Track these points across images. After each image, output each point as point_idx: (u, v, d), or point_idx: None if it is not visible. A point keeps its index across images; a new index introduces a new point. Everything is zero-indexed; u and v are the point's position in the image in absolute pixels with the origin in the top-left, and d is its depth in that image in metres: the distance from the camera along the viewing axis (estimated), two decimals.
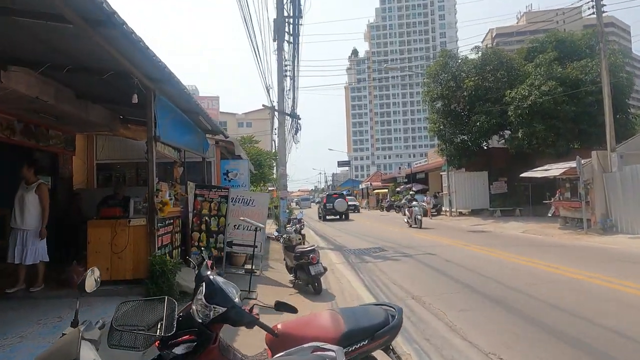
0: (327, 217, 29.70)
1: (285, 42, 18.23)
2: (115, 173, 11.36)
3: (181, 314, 2.53)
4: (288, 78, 16.56)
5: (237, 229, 8.93)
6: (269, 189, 29.39)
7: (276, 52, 17.07)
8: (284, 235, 8.31)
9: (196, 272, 2.80)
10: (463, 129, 24.06)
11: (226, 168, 11.72)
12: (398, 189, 41.86)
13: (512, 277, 7.71)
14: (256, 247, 9.05)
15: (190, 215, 8.17)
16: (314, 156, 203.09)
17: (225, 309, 2.40)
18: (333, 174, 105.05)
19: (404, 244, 13.49)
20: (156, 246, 6.02)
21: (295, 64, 16.57)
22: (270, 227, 20.21)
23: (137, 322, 2.60)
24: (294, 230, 8.55)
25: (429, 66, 27.17)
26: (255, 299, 6.86)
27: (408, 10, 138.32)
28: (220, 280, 2.58)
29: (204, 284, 2.54)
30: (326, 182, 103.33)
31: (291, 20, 17.28)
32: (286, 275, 8.63)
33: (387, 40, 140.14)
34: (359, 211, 41.37)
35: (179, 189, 7.89)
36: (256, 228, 7.16)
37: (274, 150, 25.84)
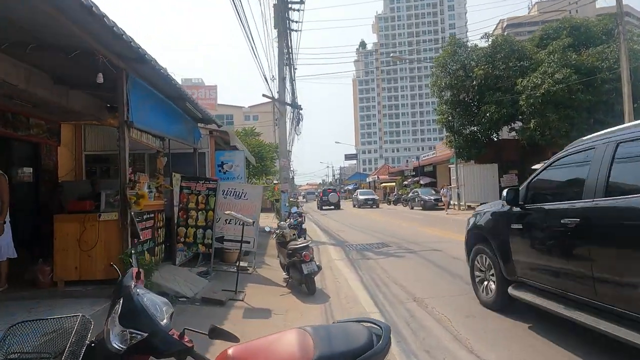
0: (324, 207, 36.74)
1: (287, 29, 17.57)
2: (113, 166, 10.84)
3: (95, 339, 1.95)
4: (292, 67, 15.89)
5: (229, 223, 8.35)
6: (274, 182, 28.91)
7: (276, 39, 16.42)
8: (277, 231, 7.73)
9: (118, 280, 2.20)
10: (472, 120, 23.27)
11: (221, 159, 11.14)
12: (405, 182, 41.13)
13: None
14: (248, 242, 8.54)
15: (176, 209, 7.61)
16: (322, 150, 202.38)
17: (146, 334, 1.80)
18: (341, 167, 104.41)
19: (409, 239, 12.85)
20: (129, 243, 5.46)
21: (291, 53, 15.88)
22: (272, 222, 19.68)
23: (41, 348, 2.02)
24: (289, 225, 7.95)
25: (437, 56, 26.34)
26: (242, 300, 6.30)
27: (417, 0, 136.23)
28: (145, 294, 1.98)
29: (121, 299, 1.94)
30: (334, 175, 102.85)
31: (292, 6, 16.61)
32: (281, 273, 8.06)
33: (395, 32, 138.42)
34: (377, 206, 36.36)
35: (163, 180, 7.33)
36: (243, 223, 6.56)
37: (276, 143, 25.30)
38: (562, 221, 3.95)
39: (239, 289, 6.81)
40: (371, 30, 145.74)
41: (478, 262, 5.63)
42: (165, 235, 7.39)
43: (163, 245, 7.19)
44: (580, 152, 4.26)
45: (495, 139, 24.80)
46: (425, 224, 18.15)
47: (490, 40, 23.41)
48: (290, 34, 15.82)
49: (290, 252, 6.90)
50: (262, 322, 5.32)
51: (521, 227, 4.75)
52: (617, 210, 3.53)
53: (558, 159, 4.71)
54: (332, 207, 36.61)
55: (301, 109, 16.25)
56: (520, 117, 21.48)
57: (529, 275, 4.65)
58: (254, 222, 8.50)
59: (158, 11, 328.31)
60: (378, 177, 55.63)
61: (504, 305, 5.21)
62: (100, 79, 4.94)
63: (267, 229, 7.90)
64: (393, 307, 5.79)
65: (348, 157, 74.16)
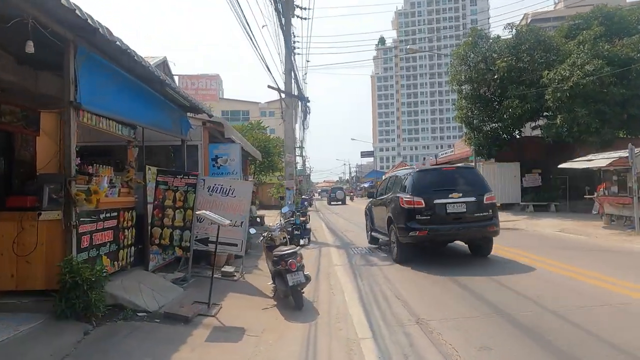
0: (332, 203, 46.52)
1: (296, 17, 16.62)
2: (116, 159, 10.05)
3: None
4: (293, 55, 14.90)
5: (215, 223, 7.45)
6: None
7: (284, 27, 15.46)
8: (264, 233, 6.78)
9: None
10: (493, 116, 21.82)
11: (215, 153, 10.26)
12: None
13: (552, 295, 5.93)
14: (235, 245, 7.66)
15: (150, 207, 6.74)
16: (339, 147, 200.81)
17: None
18: (358, 164, 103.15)
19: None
20: (74, 247, 4.59)
21: (295, 42, 14.86)
22: (277, 220, 18.79)
23: None
24: (279, 228, 6.98)
25: (456, 47, 24.97)
26: (214, 315, 5.36)
27: None
28: None
29: None
30: (350, 173, 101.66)
31: None
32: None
33: (415, 27, 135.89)
34: None
35: (134, 174, 6.46)
36: (219, 224, 5.64)
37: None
38: (381, 202, 10.21)
39: (215, 301, 5.93)
40: (390, 26, 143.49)
41: (366, 223, 12.26)
42: (137, 237, 6.54)
43: (132, 248, 6.33)
44: (386, 178, 11.93)
45: (518, 136, 23.33)
46: None
47: (514, 30, 21.93)
48: (287, 21, 14.79)
49: (276, 259, 5.95)
50: (227, 347, 4.39)
51: (375, 206, 11.21)
52: (387, 199, 9.67)
53: (383, 180, 12.78)
54: (339, 202, 46.34)
55: (308, 102, 15.25)
56: (545, 112, 20.01)
57: (376, 226, 10.82)
58: (242, 223, 7.63)
59: (158, 11, 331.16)
60: None
61: (373, 241, 11.44)
62: (29, 47, 4.09)
63: (253, 231, 6.95)
64: (390, 330, 4.78)
65: (364, 154, 72.64)
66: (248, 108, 75.09)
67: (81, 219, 4.81)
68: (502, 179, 22.97)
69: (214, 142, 10.51)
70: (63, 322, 4.30)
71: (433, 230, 8.28)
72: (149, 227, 6.69)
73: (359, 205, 39.51)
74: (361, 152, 71.08)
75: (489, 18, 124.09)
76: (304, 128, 18.67)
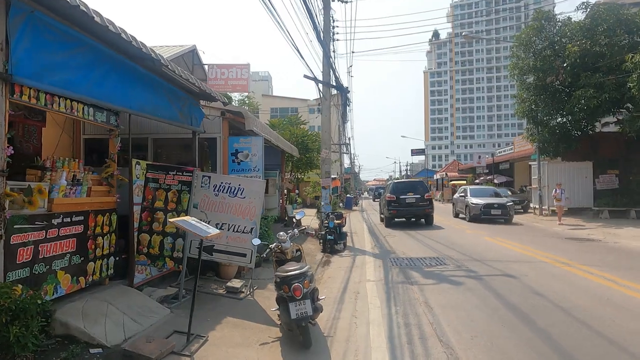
0: (375, 200, 49.83)
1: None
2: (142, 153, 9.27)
3: None
4: (332, 42, 13.48)
5: (220, 228, 6.26)
6: (333, 176, 26.64)
7: (322, 10, 14.12)
8: (271, 245, 5.45)
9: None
10: (561, 109, 19.20)
11: (235, 147, 9.14)
12: (477, 181, 36.93)
13: None
14: (244, 255, 6.44)
15: (137, 208, 5.63)
16: (391, 146, 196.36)
17: None
18: (409, 163, 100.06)
19: (474, 255, 9.97)
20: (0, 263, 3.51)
21: (330, 27, 13.40)
22: (312, 221, 17.58)
23: None
24: (290, 237, 5.60)
25: (518, 33, 22.38)
26: (190, 356, 4.07)
27: None
28: None
29: None
30: (400, 171, 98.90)
31: None
32: None
33: (472, 20, 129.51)
34: (510, 220, 18.18)
35: (115, 169, 5.36)
36: (201, 239, 4.37)
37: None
38: (382, 198, 20.66)
39: (203, 331, 4.71)
40: (445, 19, 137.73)
41: (379, 209, 21.92)
42: (121, 245, 5.46)
43: (112, 258, 5.24)
44: (386, 185, 25.30)
45: (590, 132, 20.45)
46: (496, 232, 14.89)
47: (588, 10, 19.14)
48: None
49: (278, 280, 4.62)
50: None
51: (381, 200, 20.81)
52: (384, 196, 19.61)
53: (387, 185, 24.22)
54: None
55: (348, 92, 13.78)
56: (627, 103, 17.18)
57: (382, 210, 19.91)
58: (252, 230, 6.39)
59: (157, 11, 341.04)
60: (446, 174, 51.41)
61: (381, 220, 19.94)
62: None
63: (257, 242, 5.64)
64: None
65: (415, 152, 69.57)
66: (297, 105, 75.00)
67: (16, 227, 3.74)
68: (570, 180, 20.27)
69: (234, 135, 9.40)
70: None
71: (399, 210, 17.17)
72: (136, 233, 5.59)
73: None
74: (411, 150, 67.95)
75: (554, 7, 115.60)
76: (343, 121, 17.25)
